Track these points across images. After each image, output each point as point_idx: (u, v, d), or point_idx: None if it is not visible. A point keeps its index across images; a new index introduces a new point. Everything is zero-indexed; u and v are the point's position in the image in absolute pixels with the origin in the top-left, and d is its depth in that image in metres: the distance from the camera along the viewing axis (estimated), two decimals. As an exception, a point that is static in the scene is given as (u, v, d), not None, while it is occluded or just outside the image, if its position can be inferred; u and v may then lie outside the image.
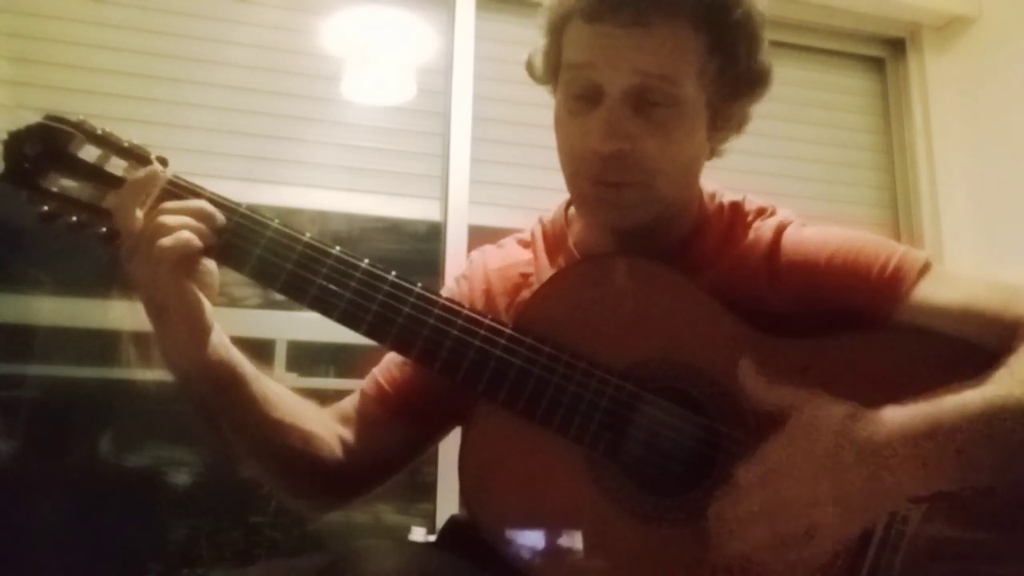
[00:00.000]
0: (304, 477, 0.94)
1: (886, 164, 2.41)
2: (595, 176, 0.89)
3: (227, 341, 0.86)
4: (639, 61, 0.85)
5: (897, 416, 0.74)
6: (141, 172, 0.82)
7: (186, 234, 0.79)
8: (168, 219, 0.79)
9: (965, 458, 0.73)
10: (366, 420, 0.99)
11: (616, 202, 0.90)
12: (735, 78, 0.90)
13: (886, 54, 2.46)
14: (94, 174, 0.84)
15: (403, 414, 0.98)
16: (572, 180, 0.94)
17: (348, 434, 0.98)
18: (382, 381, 1.00)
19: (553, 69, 0.95)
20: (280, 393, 0.92)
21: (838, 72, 2.42)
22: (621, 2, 0.84)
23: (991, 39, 2.28)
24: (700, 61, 0.87)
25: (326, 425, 0.97)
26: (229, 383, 0.86)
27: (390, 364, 1.01)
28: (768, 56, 0.92)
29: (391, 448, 0.99)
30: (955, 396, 0.75)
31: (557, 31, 0.92)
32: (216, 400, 0.86)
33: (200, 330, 0.82)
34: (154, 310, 0.81)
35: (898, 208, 2.38)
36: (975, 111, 2.29)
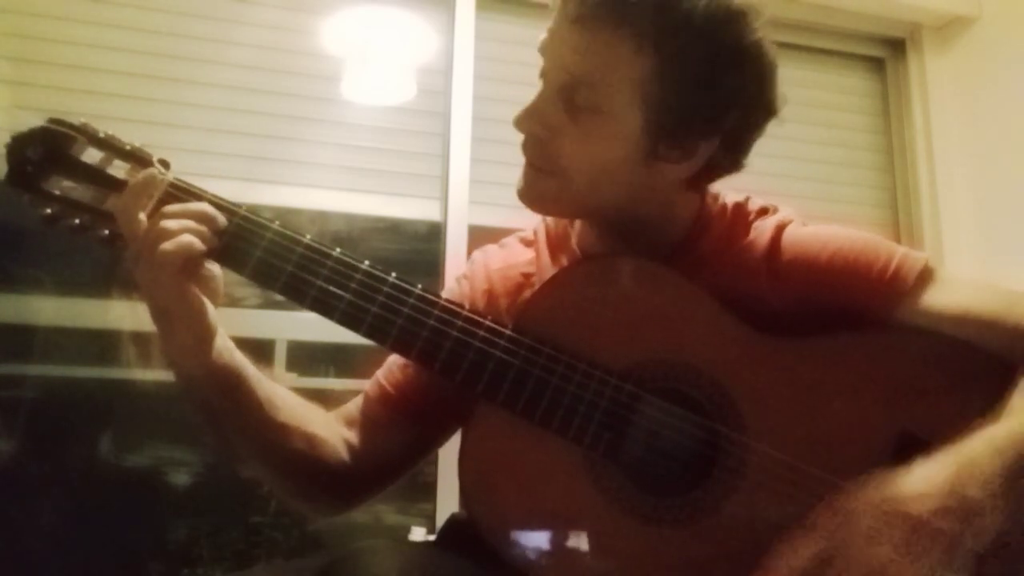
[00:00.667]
0: (308, 480, 0.94)
1: (886, 164, 2.41)
2: (523, 149, 0.91)
3: (231, 344, 0.86)
4: (570, 59, 0.86)
5: (934, 474, 0.72)
6: (141, 175, 0.82)
7: (188, 237, 0.79)
8: (170, 223, 0.79)
9: (1010, 500, 0.72)
10: (370, 422, 0.99)
11: (534, 185, 0.91)
12: (686, 109, 0.84)
13: (886, 54, 2.46)
14: (96, 177, 0.84)
15: (406, 415, 0.98)
16: None
17: (352, 436, 0.98)
18: (385, 383, 1.00)
19: None
20: (284, 396, 0.92)
21: (838, 72, 2.42)
22: None
23: (991, 39, 2.28)
24: (637, 79, 0.83)
25: (330, 428, 0.96)
26: (234, 386, 0.86)
27: (392, 366, 1.01)
28: (770, 94, 0.87)
29: (395, 450, 0.99)
30: (985, 440, 0.74)
31: None
32: (220, 403, 0.86)
33: (204, 333, 0.82)
34: (158, 314, 0.81)
35: (898, 208, 2.38)
36: (975, 111, 2.29)
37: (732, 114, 0.86)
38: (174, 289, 0.79)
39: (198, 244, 0.80)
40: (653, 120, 0.85)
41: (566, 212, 0.98)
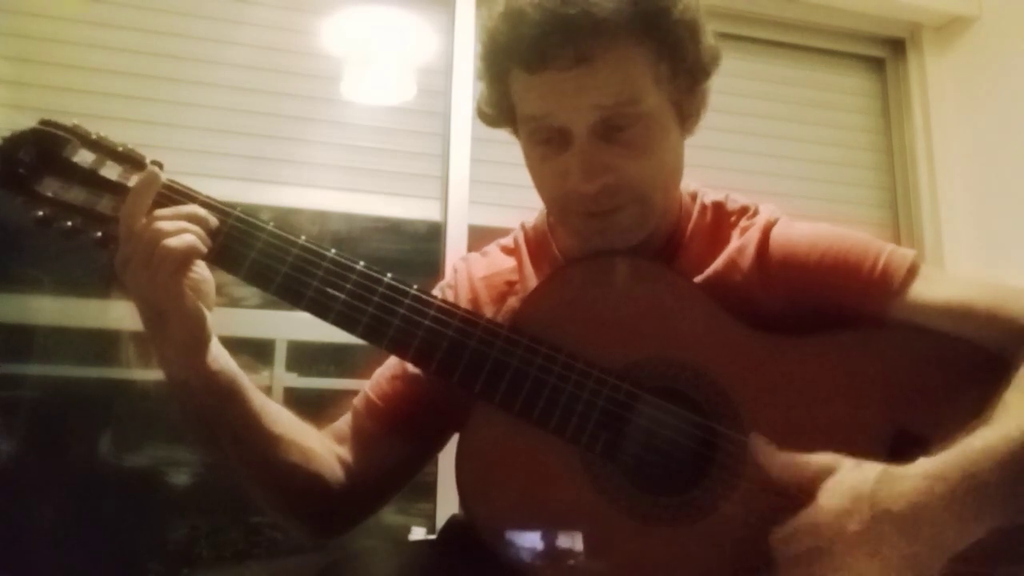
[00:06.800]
0: (305, 497, 0.92)
1: (886, 164, 2.41)
2: (586, 210, 0.89)
3: (225, 352, 0.86)
4: (594, 97, 0.84)
5: (929, 471, 0.72)
6: (143, 175, 0.82)
7: (189, 236, 0.79)
8: (167, 224, 0.79)
9: (1002, 502, 0.72)
10: (361, 437, 0.98)
11: (612, 228, 0.90)
12: (688, 70, 0.89)
13: (886, 54, 2.46)
14: (88, 179, 0.84)
15: (397, 427, 0.97)
16: (562, 216, 0.94)
17: (345, 453, 0.96)
18: (374, 396, 0.99)
19: (508, 116, 0.95)
20: (278, 408, 0.91)
21: (838, 72, 2.42)
22: (558, 47, 0.82)
23: (991, 39, 2.28)
24: (652, 70, 0.86)
25: (324, 444, 0.95)
26: (229, 393, 0.85)
27: (380, 379, 1.00)
28: (712, 36, 0.92)
29: (388, 464, 0.97)
30: (979, 440, 0.74)
31: (501, 80, 0.91)
32: (216, 411, 0.85)
33: (200, 336, 0.82)
34: (153, 316, 0.80)
35: (898, 208, 2.38)
36: (975, 111, 2.29)
37: (716, 51, 0.92)
38: (172, 289, 0.78)
39: (199, 243, 0.80)
40: (675, 92, 0.89)
41: (645, 232, 0.93)
